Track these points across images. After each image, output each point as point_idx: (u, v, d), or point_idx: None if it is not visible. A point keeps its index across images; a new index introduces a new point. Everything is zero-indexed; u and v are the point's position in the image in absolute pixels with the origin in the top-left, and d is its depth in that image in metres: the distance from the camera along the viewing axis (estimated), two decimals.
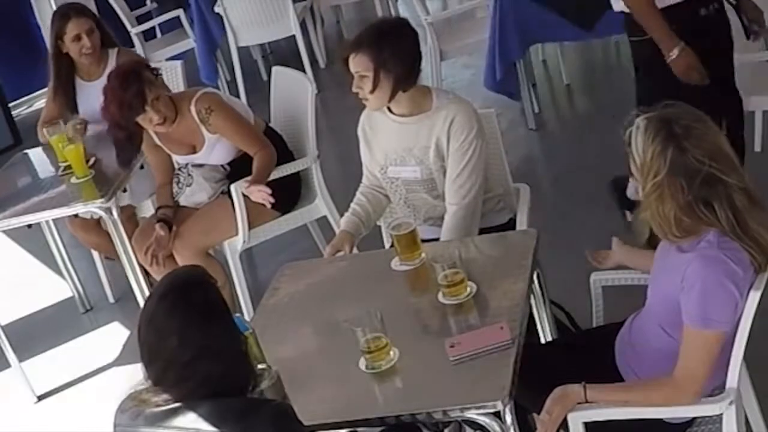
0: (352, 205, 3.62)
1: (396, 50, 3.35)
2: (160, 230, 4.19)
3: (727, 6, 3.99)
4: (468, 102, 3.52)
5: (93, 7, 8.55)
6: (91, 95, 4.61)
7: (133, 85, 3.97)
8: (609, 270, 3.08)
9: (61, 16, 4.77)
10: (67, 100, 4.87)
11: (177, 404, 2.13)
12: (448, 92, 3.59)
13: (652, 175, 2.43)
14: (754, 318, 2.48)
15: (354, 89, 3.38)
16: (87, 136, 4.69)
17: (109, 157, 4.52)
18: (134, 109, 3.98)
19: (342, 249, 3.43)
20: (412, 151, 3.47)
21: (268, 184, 4.23)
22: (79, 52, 4.73)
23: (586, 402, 2.58)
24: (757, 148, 4.87)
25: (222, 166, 4.28)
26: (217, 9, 7.22)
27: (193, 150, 4.24)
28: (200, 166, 4.28)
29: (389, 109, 3.49)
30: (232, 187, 4.19)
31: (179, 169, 4.33)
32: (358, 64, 3.33)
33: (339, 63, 3.43)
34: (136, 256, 4.35)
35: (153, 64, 4.26)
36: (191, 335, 2.10)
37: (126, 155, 4.26)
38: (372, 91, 3.36)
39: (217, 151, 4.22)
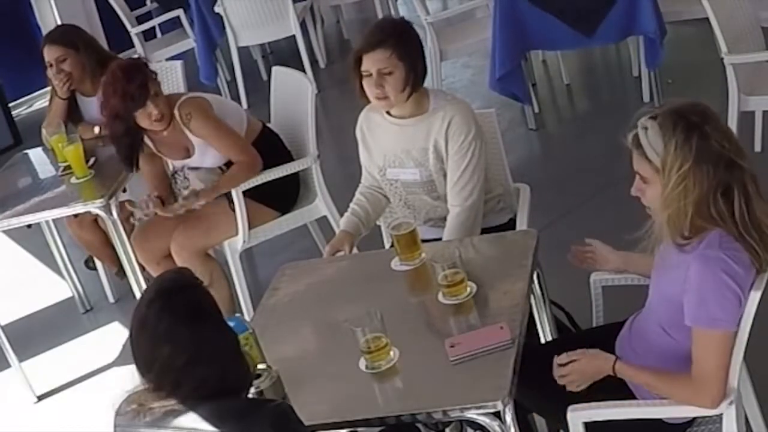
0: (352, 205, 3.62)
1: (417, 46, 3.39)
2: (151, 200, 4.16)
3: None
4: (465, 102, 3.52)
5: (93, 8, 8.65)
6: (92, 109, 4.62)
7: (138, 77, 3.97)
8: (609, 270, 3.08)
9: (42, 41, 4.85)
10: (69, 113, 4.87)
11: (176, 405, 2.12)
12: (445, 93, 3.59)
13: (677, 167, 2.41)
14: (754, 318, 2.48)
15: (375, 87, 3.33)
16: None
17: (108, 158, 4.53)
18: (137, 100, 3.97)
19: (342, 249, 3.43)
20: (410, 153, 3.47)
21: (267, 184, 4.24)
22: (54, 78, 4.76)
23: (614, 373, 2.60)
24: (757, 148, 4.88)
25: (219, 167, 4.27)
26: (217, 9, 7.21)
27: (188, 153, 4.23)
28: (196, 168, 4.28)
29: (387, 111, 3.48)
30: None
31: (175, 172, 4.32)
32: (383, 60, 3.30)
33: (348, 61, 3.37)
34: (135, 256, 4.35)
35: (153, 64, 4.25)
36: (182, 340, 2.09)
37: (124, 151, 4.24)
38: (403, 89, 3.35)
39: (210, 153, 4.21)
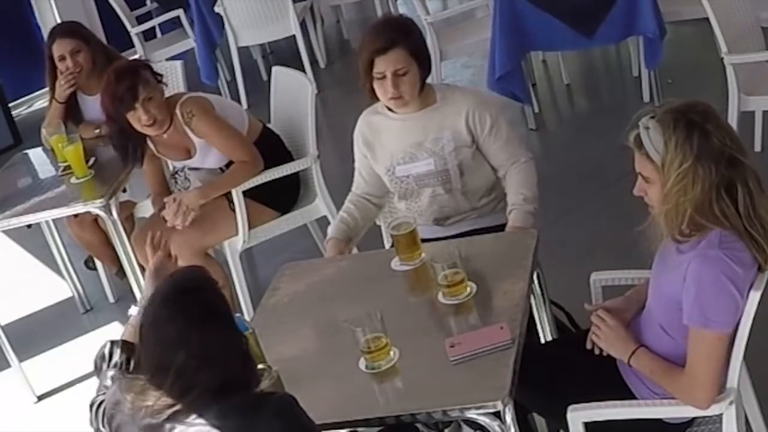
0: (340, 212, 3.62)
1: (422, 41, 3.44)
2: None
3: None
4: (469, 89, 3.57)
5: (93, 8, 8.65)
6: (95, 108, 4.62)
7: (127, 79, 3.97)
8: (609, 270, 3.08)
9: (49, 37, 4.82)
10: (69, 113, 4.86)
11: (181, 405, 2.12)
12: (445, 84, 3.62)
13: (677, 164, 2.41)
14: (754, 318, 2.48)
15: (391, 87, 3.33)
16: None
17: (108, 158, 4.53)
18: (124, 102, 3.97)
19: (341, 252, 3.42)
20: (422, 145, 3.46)
21: (267, 184, 4.24)
22: (66, 72, 4.73)
23: (628, 363, 2.63)
24: (757, 148, 4.88)
25: (220, 168, 4.27)
26: (217, 9, 7.21)
27: (188, 155, 4.23)
28: (197, 169, 4.28)
29: (389, 109, 3.49)
30: None
31: (176, 172, 4.32)
32: (398, 61, 3.31)
33: (358, 64, 3.36)
34: (135, 256, 4.35)
35: (153, 64, 4.23)
36: (194, 345, 2.09)
37: (120, 151, 4.24)
38: (417, 86, 3.37)
39: (212, 154, 4.21)
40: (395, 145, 3.51)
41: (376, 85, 3.37)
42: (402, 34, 3.35)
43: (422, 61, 3.38)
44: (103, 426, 2.28)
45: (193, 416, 2.12)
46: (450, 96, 3.47)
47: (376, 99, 3.45)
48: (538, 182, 3.49)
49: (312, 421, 2.19)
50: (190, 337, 2.09)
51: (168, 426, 2.13)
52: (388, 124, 3.51)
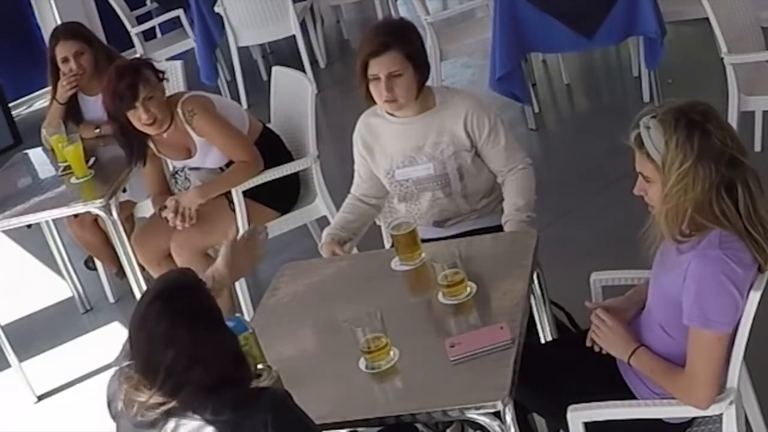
0: (336, 215, 3.62)
1: (421, 44, 3.42)
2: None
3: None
4: (468, 92, 3.56)
5: (93, 8, 8.66)
6: (95, 108, 4.62)
7: (128, 77, 3.97)
8: (609, 270, 3.08)
9: (52, 38, 4.81)
10: (69, 113, 4.86)
11: (174, 404, 2.13)
12: (446, 87, 3.62)
13: (677, 164, 2.41)
14: (754, 318, 2.48)
15: (385, 90, 3.33)
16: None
17: (108, 158, 4.53)
18: (124, 101, 3.97)
19: (335, 254, 3.42)
20: (422, 150, 3.46)
21: (267, 185, 4.24)
22: (69, 74, 4.73)
23: (628, 362, 2.63)
24: (757, 148, 4.88)
25: (220, 168, 4.27)
26: (217, 9, 7.22)
27: (189, 154, 4.23)
28: (197, 169, 4.28)
29: (389, 113, 3.48)
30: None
31: (176, 172, 4.32)
32: (393, 63, 3.31)
33: (354, 67, 3.36)
34: (135, 256, 4.35)
35: (155, 63, 4.23)
36: (182, 344, 2.09)
37: (125, 149, 4.24)
38: (413, 89, 3.36)
39: (212, 153, 4.21)
40: (394, 149, 3.50)
41: (371, 87, 3.37)
42: (398, 37, 3.34)
43: (418, 64, 3.36)
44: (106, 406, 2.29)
45: (186, 413, 2.12)
46: (449, 99, 3.46)
47: (372, 101, 3.44)
48: (538, 184, 3.48)
49: (307, 416, 2.19)
50: (178, 336, 2.10)
51: (161, 422, 2.13)
52: (387, 127, 3.51)
